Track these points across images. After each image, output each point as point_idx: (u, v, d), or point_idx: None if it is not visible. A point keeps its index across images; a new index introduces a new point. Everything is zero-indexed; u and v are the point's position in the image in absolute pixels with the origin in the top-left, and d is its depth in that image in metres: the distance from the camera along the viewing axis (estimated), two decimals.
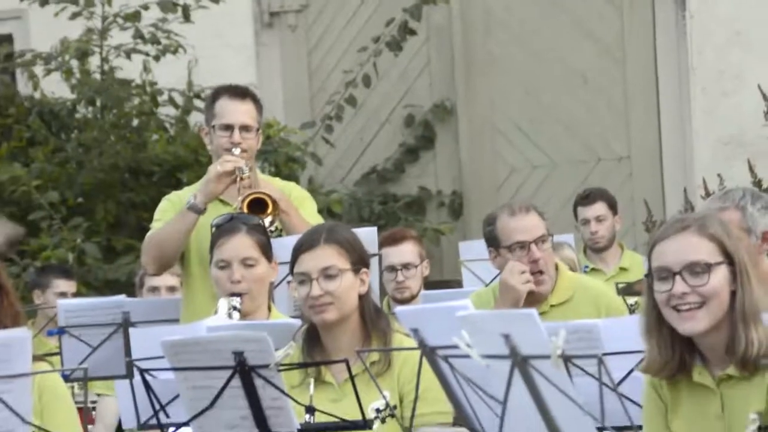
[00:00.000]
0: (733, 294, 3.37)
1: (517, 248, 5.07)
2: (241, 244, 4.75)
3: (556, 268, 5.20)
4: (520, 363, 3.03)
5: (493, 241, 5.16)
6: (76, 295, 7.58)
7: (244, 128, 5.39)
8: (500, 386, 3.10)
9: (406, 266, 6.18)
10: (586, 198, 7.66)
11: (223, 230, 4.83)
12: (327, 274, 4.10)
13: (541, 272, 5.08)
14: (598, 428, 3.06)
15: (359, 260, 4.18)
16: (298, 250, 4.16)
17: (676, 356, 3.42)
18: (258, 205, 5.22)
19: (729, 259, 3.38)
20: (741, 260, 3.39)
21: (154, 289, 6.54)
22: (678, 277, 3.35)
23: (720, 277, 3.36)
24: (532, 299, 5.06)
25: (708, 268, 3.35)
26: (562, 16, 9.76)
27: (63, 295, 7.01)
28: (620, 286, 6.30)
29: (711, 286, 3.35)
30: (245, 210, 5.17)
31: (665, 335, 3.41)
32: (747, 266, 3.40)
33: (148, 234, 5.42)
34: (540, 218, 5.16)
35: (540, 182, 9.86)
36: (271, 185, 5.44)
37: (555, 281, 5.15)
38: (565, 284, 5.15)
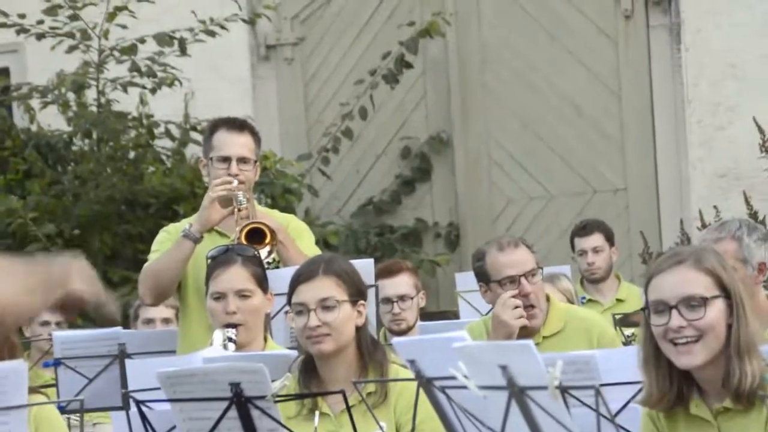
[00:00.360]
0: (729, 327, 3.37)
1: (508, 283, 5.06)
2: (236, 276, 4.75)
3: (548, 299, 5.19)
4: (518, 394, 3.02)
5: (483, 276, 5.15)
6: (72, 326, 7.55)
7: (242, 160, 5.40)
8: (497, 417, 3.09)
9: (402, 298, 6.18)
10: (583, 229, 7.67)
11: (218, 262, 4.83)
12: (325, 305, 4.11)
13: (532, 306, 5.07)
14: None
15: (357, 292, 4.18)
16: (297, 281, 4.17)
17: (673, 388, 3.41)
18: (256, 236, 5.23)
19: (725, 292, 3.38)
20: (737, 293, 3.39)
21: (149, 321, 6.53)
22: (674, 311, 3.35)
23: (716, 310, 3.36)
24: (525, 333, 5.05)
25: (704, 302, 3.35)
26: (558, 48, 9.80)
27: (47, 324, 6.96)
28: (617, 317, 6.30)
29: (707, 320, 3.35)
30: (243, 240, 5.18)
31: (663, 368, 3.41)
32: (743, 299, 3.40)
33: (145, 265, 5.42)
34: (529, 252, 5.15)
35: (536, 214, 9.87)
36: (269, 217, 5.45)
37: (547, 313, 5.14)
38: (557, 315, 5.14)
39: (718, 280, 3.38)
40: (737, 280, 3.44)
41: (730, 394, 3.36)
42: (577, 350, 4.63)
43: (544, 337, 5.10)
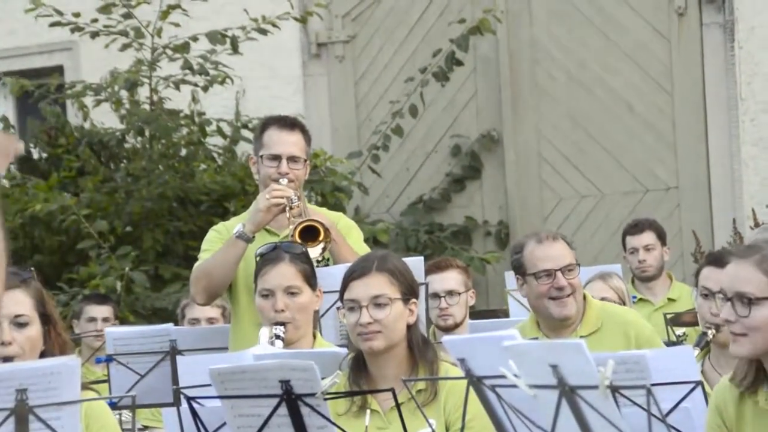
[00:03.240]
0: None
1: (543, 276, 5.02)
2: (285, 273, 4.76)
3: (584, 298, 5.15)
4: (568, 393, 3.01)
5: (519, 269, 5.12)
6: (123, 322, 7.60)
7: (292, 159, 5.41)
8: (548, 416, 3.08)
9: (449, 293, 6.17)
10: (635, 227, 7.63)
11: (266, 259, 4.84)
12: (377, 302, 4.11)
13: (567, 295, 5.02)
14: None
15: (409, 290, 4.18)
16: (349, 277, 4.17)
17: (751, 372, 3.45)
18: (310, 233, 5.23)
19: None
20: None
21: (195, 321, 6.56)
22: (728, 304, 3.42)
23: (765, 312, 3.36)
24: (559, 324, 5.03)
25: (749, 302, 3.37)
26: (610, 46, 9.75)
27: (93, 320, 7.02)
28: (668, 316, 6.26)
29: (754, 321, 3.36)
30: (297, 238, 5.18)
31: None
32: None
33: (197, 264, 5.43)
34: (567, 247, 5.10)
35: (587, 212, 9.82)
36: (321, 214, 5.46)
37: (583, 312, 5.10)
38: (594, 314, 5.11)
39: None
40: None
41: None
42: (615, 349, 4.61)
43: (581, 337, 5.06)
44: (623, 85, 9.72)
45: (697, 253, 8.92)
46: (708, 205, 9.58)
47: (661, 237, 7.61)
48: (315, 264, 4.99)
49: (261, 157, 5.44)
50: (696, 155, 9.60)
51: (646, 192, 9.71)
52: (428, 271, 5.84)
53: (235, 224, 5.44)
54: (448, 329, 6.10)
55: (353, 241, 5.40)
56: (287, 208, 5.27)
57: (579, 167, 9.82)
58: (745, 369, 3.48)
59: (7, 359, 3.74)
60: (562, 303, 5.01)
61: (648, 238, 7.55)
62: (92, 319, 7.04)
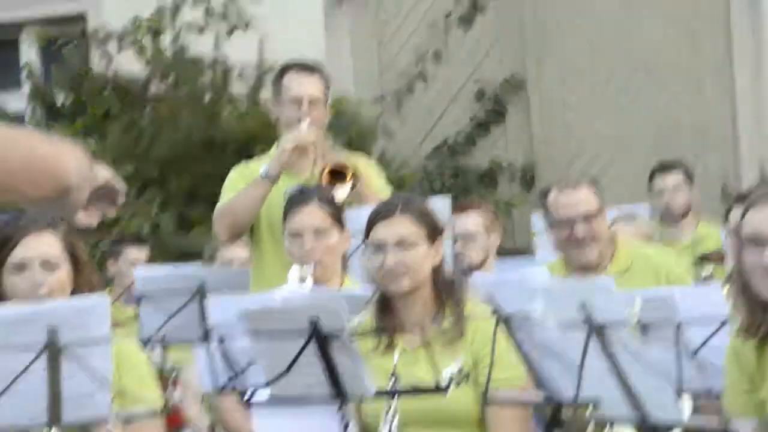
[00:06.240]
0: None
1: (562, 223, 5.03)
2: (313, 214, 4.78)
3: (614, 238, 5.14)
4: (596, 331, 3.03)
5: (546, 215, 5.14)
6: (152, 261, 7.63)
7: (313, 101, 5.43)
8: (576, 354, 3.10)
9: (465, 236, 6.15)
10: (663, 168, 7.61)
11: (294, 201, 4.86)
12: (402, 244, 4.12)
13: (586, 242, 5.00)
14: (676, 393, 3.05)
15: (433, 232, 4.19)
16: (374, 219, 4.19)
17: (766, 319, 3.38)
18: (337, 174, 5.25)
19: None
20: None
21: (228, 262, 6.59)
22: None
23: None
24: (581, 268, 5.02)
25: None
26: None
27: (135, 262, 7.07)
28: (696, 256, 6.25)
29: None
30: (326, 178, 5.21)
31: (754, 299, 3.39)
32: None
33: (220, 203, 5.48)
34: (590, 193, 5.06)
35: (612, 154, 9.79)
36: (345, 155, 5.48)
37: (613, 251, 5.09)
38: (624, 254, 5.10)
39: None
40: None
41: None
42: (646, 288, 4.60)
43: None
44: (648, 26, 9.64)
45: (724, 195, 8.89)
46: (735, 145, 9.53)
47: (689, 177, 7.60)
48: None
49: (282, 100, 5.45)
50: (722, 94, 9.54)
51: (672, 133, 9.66)
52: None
53: (256, 165, 5.47)
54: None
55: (374, 181, 5.42)
56: (312, 150, 5.29)
57: (603, 110, 9.77)
58: (757, 317, 3.37)
59: None
60: (582, 250, 5.01)
61: (675, 178, 7.53)
62: (135, 261, 7.10)
